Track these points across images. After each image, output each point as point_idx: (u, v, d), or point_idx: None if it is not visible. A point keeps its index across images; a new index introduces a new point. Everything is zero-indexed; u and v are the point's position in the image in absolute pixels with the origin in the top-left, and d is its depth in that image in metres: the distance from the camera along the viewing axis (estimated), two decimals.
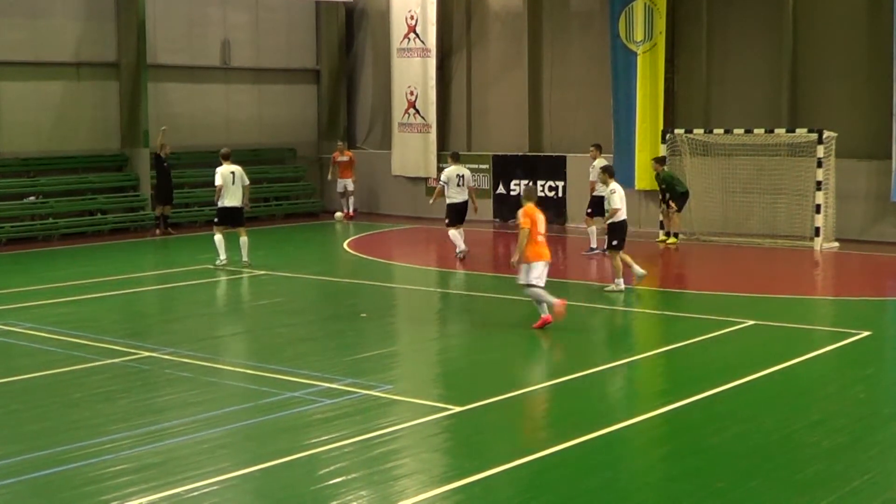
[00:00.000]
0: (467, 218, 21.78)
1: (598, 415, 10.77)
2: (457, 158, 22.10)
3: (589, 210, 22.01)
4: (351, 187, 29.48)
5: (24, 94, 26.14)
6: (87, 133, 27.22)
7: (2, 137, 25.89)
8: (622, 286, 17.43)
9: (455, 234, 21.37)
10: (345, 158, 29.49)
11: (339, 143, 30.26)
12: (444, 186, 21.44)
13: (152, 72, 27.81)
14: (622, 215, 17.59)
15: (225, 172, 20.07)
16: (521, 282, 14.76)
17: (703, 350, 13.67)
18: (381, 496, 8.54)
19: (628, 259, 17.64)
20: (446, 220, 21.46)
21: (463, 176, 21.48)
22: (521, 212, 14.73)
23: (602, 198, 20.71)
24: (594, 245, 21.81)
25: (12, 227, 25.09)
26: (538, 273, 14.57)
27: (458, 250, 21.36)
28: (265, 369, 12.55)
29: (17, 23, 25.92)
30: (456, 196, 21.34)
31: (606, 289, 17.65)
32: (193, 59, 29.22)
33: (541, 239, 14.66)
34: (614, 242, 17.58)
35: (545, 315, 14.55)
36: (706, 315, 15.96)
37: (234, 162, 20.25)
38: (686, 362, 13.22)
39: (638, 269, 17.55)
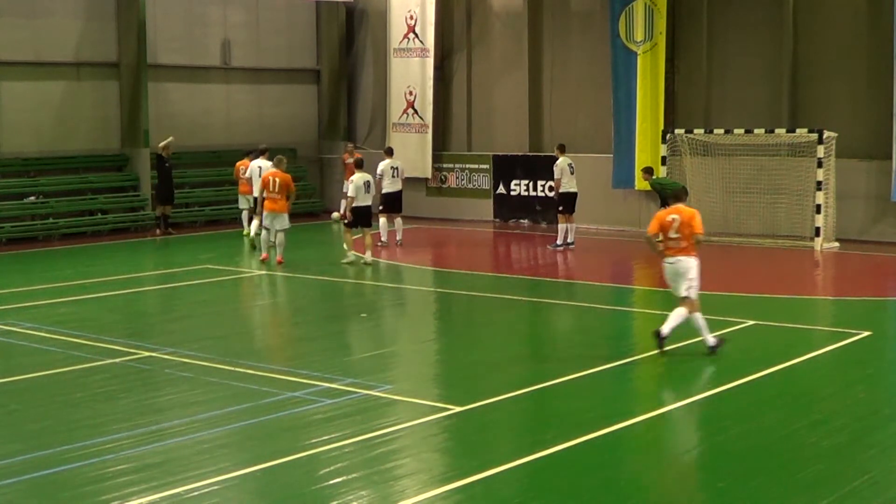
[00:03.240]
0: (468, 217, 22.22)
1: (599, 415, 10.77)
2: (391, 153, 24.37)
3: (560, 207, 22.95)
4: None
5: (25, 93, 26.14)
6: (87, 133, 27.22)
7: (2, 137, 25.89)
8: (352, 258, 20.60)
9: (384, 223, 23.28)
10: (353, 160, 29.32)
11: (350, 144, 29.73)
12: (380, 178, 23.31)
13: (152, 72, 27.82)
14: (359, 202, 20.62)
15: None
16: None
17: (704, 350, 13.65)
18: (381, 496, 8.54)
19: (368, 241, 20.73)
20: (380, 208, 23.31)
21: (397, 168, 23.64)
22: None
23: (569, 194, 22.59)
24: (560, 242, 22.95)
25: (12, 227, 25.09)
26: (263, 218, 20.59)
27: (381, 240, 23.22)
28: (265, 369, 12.55)
29: (18, 22, 25.92)
30: (390, 187, 23.35)
31: (342, 261, 20.68)
32: (193, 59, 29.22)
33: (267, 195, 20.48)
34: (345, 222, 21.03)
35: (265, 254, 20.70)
36: (706, 315, 15.93)
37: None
38: (686, 362, 13.21)
39: (367, 256, 20.67)
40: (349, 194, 20.79)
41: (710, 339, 13.05)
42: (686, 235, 13.06)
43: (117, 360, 13.21)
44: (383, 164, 23.49)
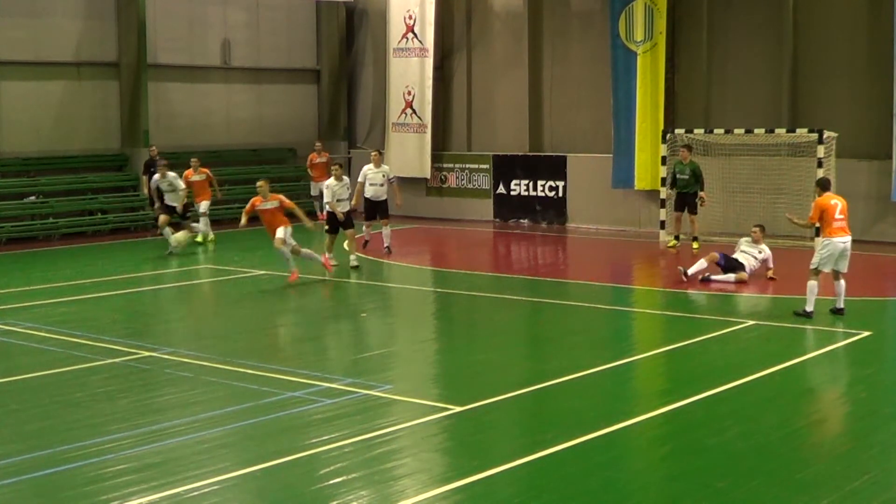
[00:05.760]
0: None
1: (599, 415, 10.77)
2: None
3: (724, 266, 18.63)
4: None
5: (25, 93, 26.14)
6: (87, 133, 27.22)
7: (2, 137, 25.89)
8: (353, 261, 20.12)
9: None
10: (322, 160, 28.15)
11: (317, 143, 29.31)
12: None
13: (152, 72, 27.82)
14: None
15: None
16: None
17: (704, 350, 13.67)
18: (382, 496, 8.54)
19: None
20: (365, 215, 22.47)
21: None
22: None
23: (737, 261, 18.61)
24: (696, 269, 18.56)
25: (12, 226, 25.08)
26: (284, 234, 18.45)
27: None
28: (265, 369, 12.55)
29: (18, 22, 25.92)
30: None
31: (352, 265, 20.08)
32: (193, 59, 29.22)
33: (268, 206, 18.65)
34: (326, 227, 20.15)
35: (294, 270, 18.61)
36: (706, 315, 15.95)
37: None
38: (686, 362, 13.22)
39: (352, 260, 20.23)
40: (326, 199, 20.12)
41: (842, 303, 15.00)
42: (846, 217, 14.86)
43: (117, 360, 13.21)
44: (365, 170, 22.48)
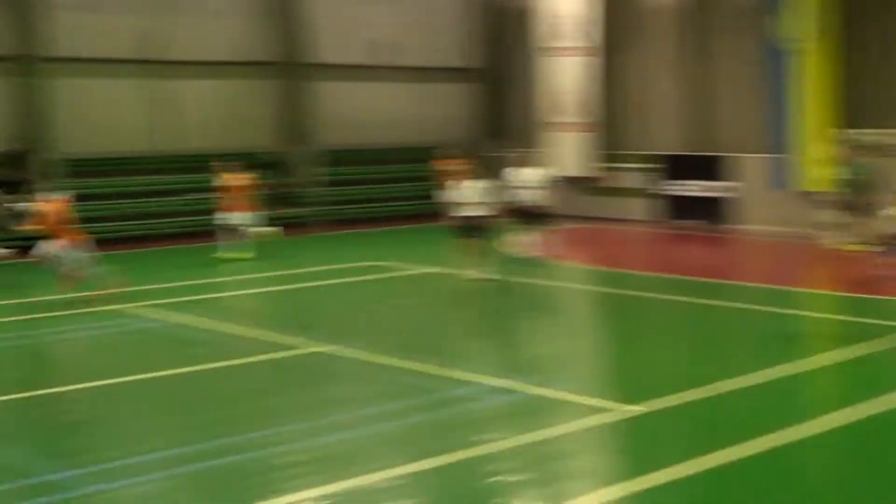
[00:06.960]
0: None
1: (779, 419, 10.26)
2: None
3: None
4: None
5: (200, 92, 27.39)
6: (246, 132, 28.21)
7: (179, 136, 26.85)
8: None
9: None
10: (455, 167, 25.81)
11: (444, 150, 28.17)
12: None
13: (313, 71, 28.78)
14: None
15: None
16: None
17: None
18: (547, 496, 8.37)
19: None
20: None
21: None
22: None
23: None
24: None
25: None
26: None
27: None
28: (433, 365, 12.52)
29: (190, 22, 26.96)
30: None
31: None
32: (348, 57, 29.81)
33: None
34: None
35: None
36: (889, 321, 15.20)
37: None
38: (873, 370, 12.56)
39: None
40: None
41: None
42: None
43: (286, 353, 13.39)
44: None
